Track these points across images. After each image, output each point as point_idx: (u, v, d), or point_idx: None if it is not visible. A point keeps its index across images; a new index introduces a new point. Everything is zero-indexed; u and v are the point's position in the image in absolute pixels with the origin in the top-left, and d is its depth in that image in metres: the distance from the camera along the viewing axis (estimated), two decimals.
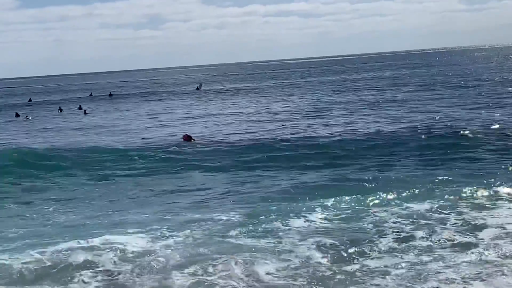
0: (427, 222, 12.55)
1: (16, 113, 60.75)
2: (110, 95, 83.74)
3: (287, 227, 12.84)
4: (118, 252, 11.52)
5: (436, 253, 10.74)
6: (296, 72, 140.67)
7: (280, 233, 12.45)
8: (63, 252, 11.50)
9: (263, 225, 12.98)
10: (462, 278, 9.54)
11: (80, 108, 65.50)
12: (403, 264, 10.26)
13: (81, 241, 12.08)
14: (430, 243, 11.26)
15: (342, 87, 65.76)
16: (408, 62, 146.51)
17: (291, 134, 28.12)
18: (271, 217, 13.63)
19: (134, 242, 12.03)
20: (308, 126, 31.13)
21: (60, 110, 62.59)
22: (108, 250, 11.61)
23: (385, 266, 10.26)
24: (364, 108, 39.11)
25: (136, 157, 23.96)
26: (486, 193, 14.33)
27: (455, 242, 11.23)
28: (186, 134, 29.22)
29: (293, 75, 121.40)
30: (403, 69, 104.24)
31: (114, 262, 11.06)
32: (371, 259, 10.73)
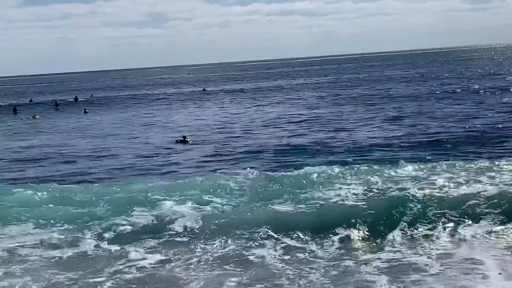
0: None
1: (14, 108, 61.02)
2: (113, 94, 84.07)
3: None
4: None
5: None
6: (297, 71, 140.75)
7: None
8: None
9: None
10: None
11: (76, 99, 65.55)
12: None
13: None
14: None
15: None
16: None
17: (292, 138, 28.22)
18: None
19: None
20: (306, 130, 31.22)
21: (56, 105, 62.90)
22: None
23: None
24: None
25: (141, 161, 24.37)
26: None
27: None
28: (182, 136, 29.60)
29: (296, 74, 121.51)
30: None
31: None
32: None
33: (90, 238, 13.03)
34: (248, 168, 18.20)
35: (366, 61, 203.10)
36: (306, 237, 12.32)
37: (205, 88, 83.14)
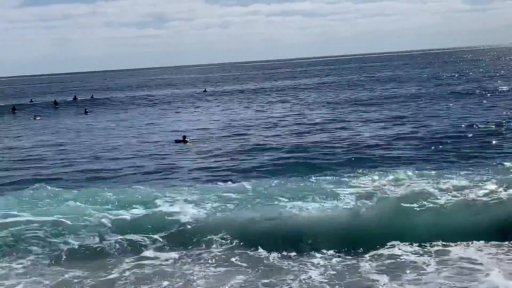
0: None
1: (13, 108, 61.11)
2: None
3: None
4: None
5: None
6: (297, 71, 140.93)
7: None
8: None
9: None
10: None
11: (75, 98, 65.49)
12: None
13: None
14: None
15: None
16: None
17: (295, 139, 28.30)
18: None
19: None
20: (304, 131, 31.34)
21: (55, 103, 63.01)
22: None
23: None
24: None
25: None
26: None
27: None
28: (182, 136, 29.81)
29: (296, 74, 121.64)
30: None
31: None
32: None
33: (93, 236, 13.22)
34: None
35: (366, 61, 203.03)
36: (308, 237, 12.57)
37: (206, 89, 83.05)
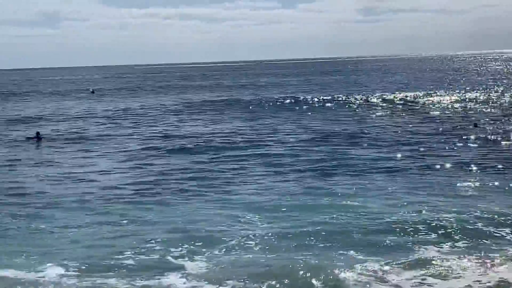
0: None
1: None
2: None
3: None
4: None
5: None
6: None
7: None
8: None
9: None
10: None
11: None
12: None
13: None
14: None
15: None
16: None
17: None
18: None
19: None
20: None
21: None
22: None
23: None
24: None
25: None
26: None
27: None
28: (36, 132, 29.35)
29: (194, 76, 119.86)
30: None
31: None
32: None
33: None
34: None
35: (250, 69, 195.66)
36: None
37: (93, 91, 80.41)
